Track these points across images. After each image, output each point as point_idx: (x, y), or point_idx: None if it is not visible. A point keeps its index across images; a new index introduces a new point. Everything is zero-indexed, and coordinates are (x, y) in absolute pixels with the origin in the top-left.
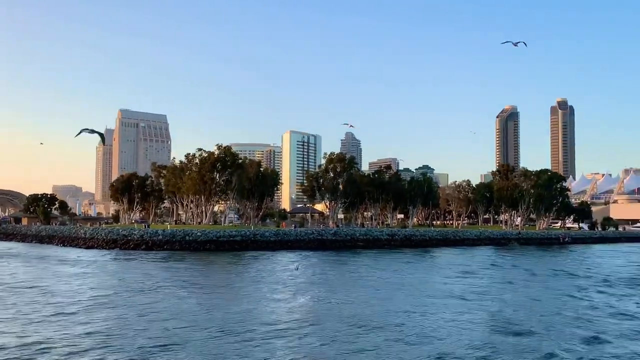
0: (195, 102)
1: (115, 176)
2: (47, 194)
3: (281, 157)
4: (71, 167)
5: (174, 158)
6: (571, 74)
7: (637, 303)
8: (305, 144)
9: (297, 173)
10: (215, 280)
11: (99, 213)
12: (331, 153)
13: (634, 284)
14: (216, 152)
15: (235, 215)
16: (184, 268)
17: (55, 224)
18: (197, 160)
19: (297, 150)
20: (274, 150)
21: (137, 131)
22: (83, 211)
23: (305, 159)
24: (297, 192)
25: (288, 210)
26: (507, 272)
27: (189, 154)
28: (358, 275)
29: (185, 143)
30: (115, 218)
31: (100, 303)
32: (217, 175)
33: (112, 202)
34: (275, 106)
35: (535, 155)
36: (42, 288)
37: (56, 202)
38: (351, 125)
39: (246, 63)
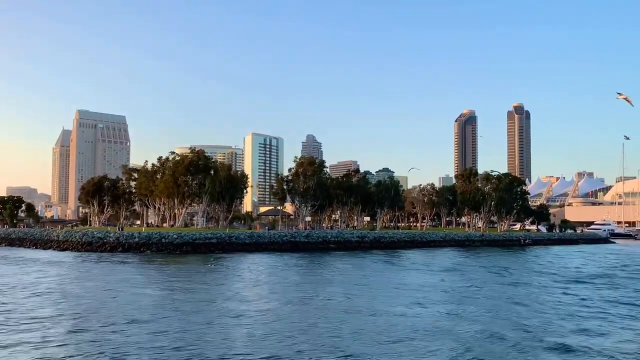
0: (156, 103)
1: (72, 178)
2: (14, 197)
3: (243, 159)
4: (25, 168)
5: (146, 161)
6: (527, 79)
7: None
8: (267, 146)
9: (259, 175)
10: (208, 280)
11: (52, 215)
12: (302, 157)
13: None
14: (189, 156)
15: (202, 218)
16: (179, 270)
17: (23, 227)
18: (170, 164)
19: (259, 153)
20: (235, 153)
21: (95, 132)
22: (45, 214)
23: (267, 161)
24: (259, 194)
25: (250, 211)
26: (482, 271)
27: (161, 157)
28: (347, 275)
29: (145, 145)
30: (83, 220)
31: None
32: (190, 179)
33: (79, 204)
34: (237, 108)
35: (493, 158)
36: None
37: (22, 205)
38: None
39: (207, 65)
